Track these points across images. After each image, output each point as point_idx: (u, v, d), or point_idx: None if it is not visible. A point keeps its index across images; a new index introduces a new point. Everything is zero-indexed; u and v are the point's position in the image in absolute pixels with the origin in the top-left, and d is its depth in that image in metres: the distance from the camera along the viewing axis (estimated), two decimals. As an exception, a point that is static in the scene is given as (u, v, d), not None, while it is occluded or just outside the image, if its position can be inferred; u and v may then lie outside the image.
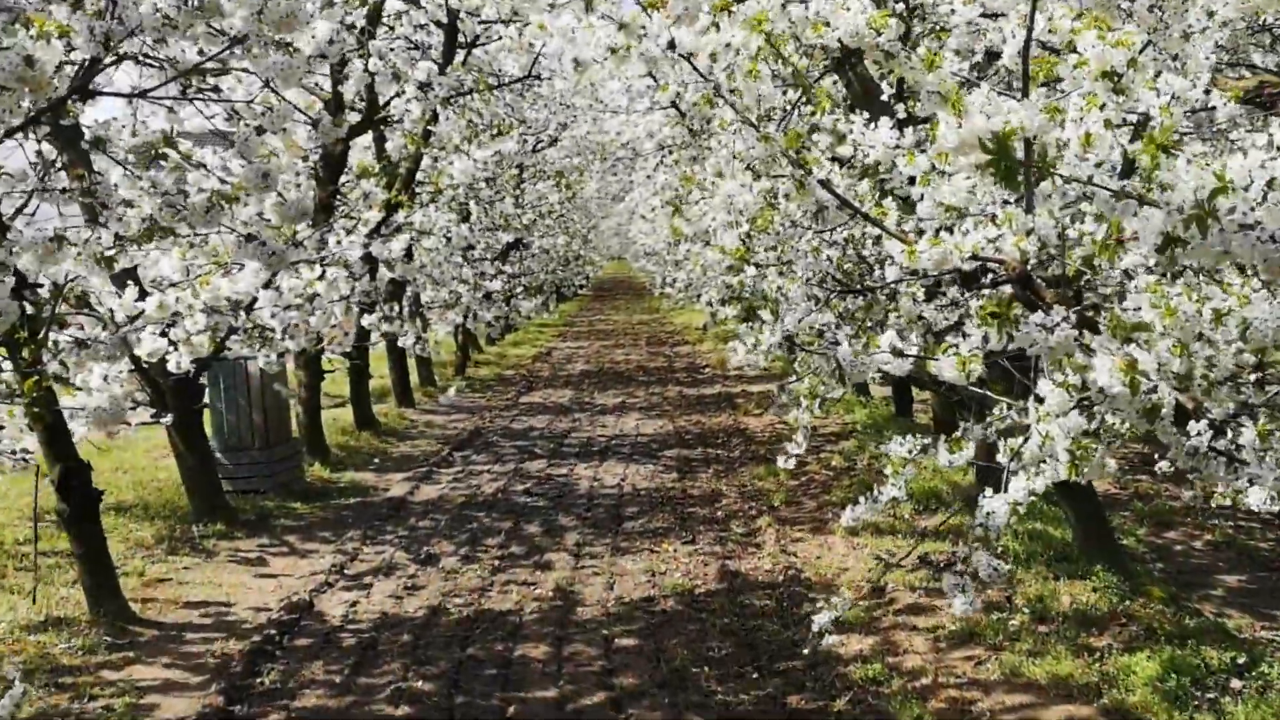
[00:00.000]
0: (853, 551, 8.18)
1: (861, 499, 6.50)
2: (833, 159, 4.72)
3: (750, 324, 10.11)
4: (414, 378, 16.80)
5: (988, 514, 4.04)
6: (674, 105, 16.64)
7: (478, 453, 12.42)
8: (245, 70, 9.59)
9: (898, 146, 4.75)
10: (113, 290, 6.82)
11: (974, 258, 4.29)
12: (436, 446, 12.81)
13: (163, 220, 3.89)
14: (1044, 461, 3.64)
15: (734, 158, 9.38)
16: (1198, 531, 8.48)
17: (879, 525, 8.79)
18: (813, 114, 4.73)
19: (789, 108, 5.43)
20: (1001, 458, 4.31)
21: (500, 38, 12.18)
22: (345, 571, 7.88)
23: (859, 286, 6.72)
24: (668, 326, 31.28)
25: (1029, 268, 4.40)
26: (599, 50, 6.20)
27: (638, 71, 13.93)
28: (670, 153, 17.68)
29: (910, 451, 6.52)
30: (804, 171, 4.55)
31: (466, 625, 6.77)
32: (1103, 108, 3.59)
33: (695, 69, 5.25)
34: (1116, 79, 3.76)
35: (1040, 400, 3.59)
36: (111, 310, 7.01)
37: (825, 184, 4.57)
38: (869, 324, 7.30)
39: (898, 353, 3.67)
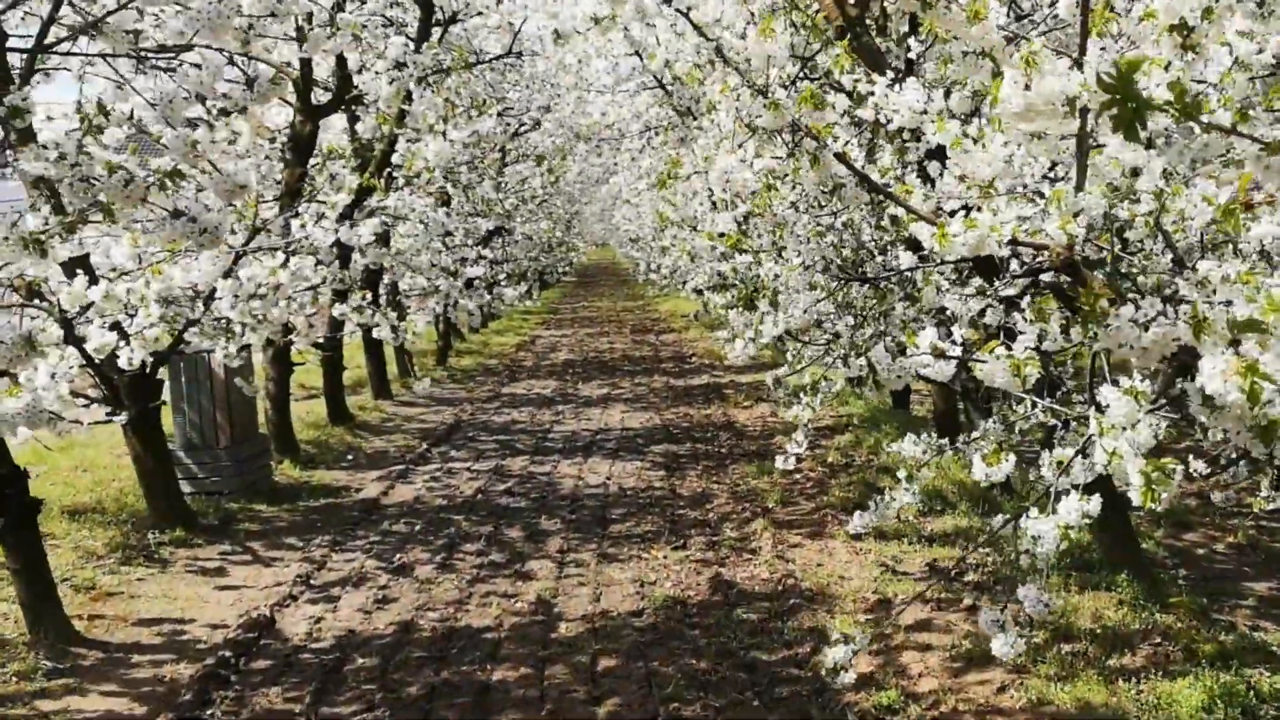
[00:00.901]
0: (855, 558, 7.66)
1: (870, 503, 5.99)
2: (855, 123, 4.17)
3: (746, 314, 9.58)
4: (392, 368, 16.22)
5: (1033, 538, 3.52)
6: (660, 84, 16.09)
7: (457, 449, 11.86)
8: (208, 46, 9.00)
9: (924, 112, 4.22)
10: (63, 280, 6.28)
11: (1013, 242, 3.76)
12: (414, 442, 12.24)
13: (74, 200, 3.33)
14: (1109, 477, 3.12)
15: (726, 136, 8.84)
16: (1218, 533, 8.00)
17: (882, 529, 8.27)
18: (822, 82, 4.18)
19: (791, 80, 4.88)
20: (1046, 471, 3.79)
21: (480, 13, 11.59)
22: (311, 582, 7.33)
23: (867, 274, 6.18)
24: (652, 314, 30.72)
25: (1075, 253, 3.88)
26: (581, 20, 5.62)
27: (621, 43, 13.23)
28: (656, 134, 17.13)
29: (924, 452, 6.04)
30: (818, 143, 4.01)
31: (440, 644, 6.23)
32: (1167, 67, 3.06)
33: (695, 27, 4.72)
34: (1186, 32, 3.23)
35: (1101, 409, 3.05)
36: (57, 301, 6.48)
37: (842, 157, 4.03)
38: (875, 315, 6.77)
39: (939, 354, 3.13)
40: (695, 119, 12.49)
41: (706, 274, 13.91)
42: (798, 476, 10.20)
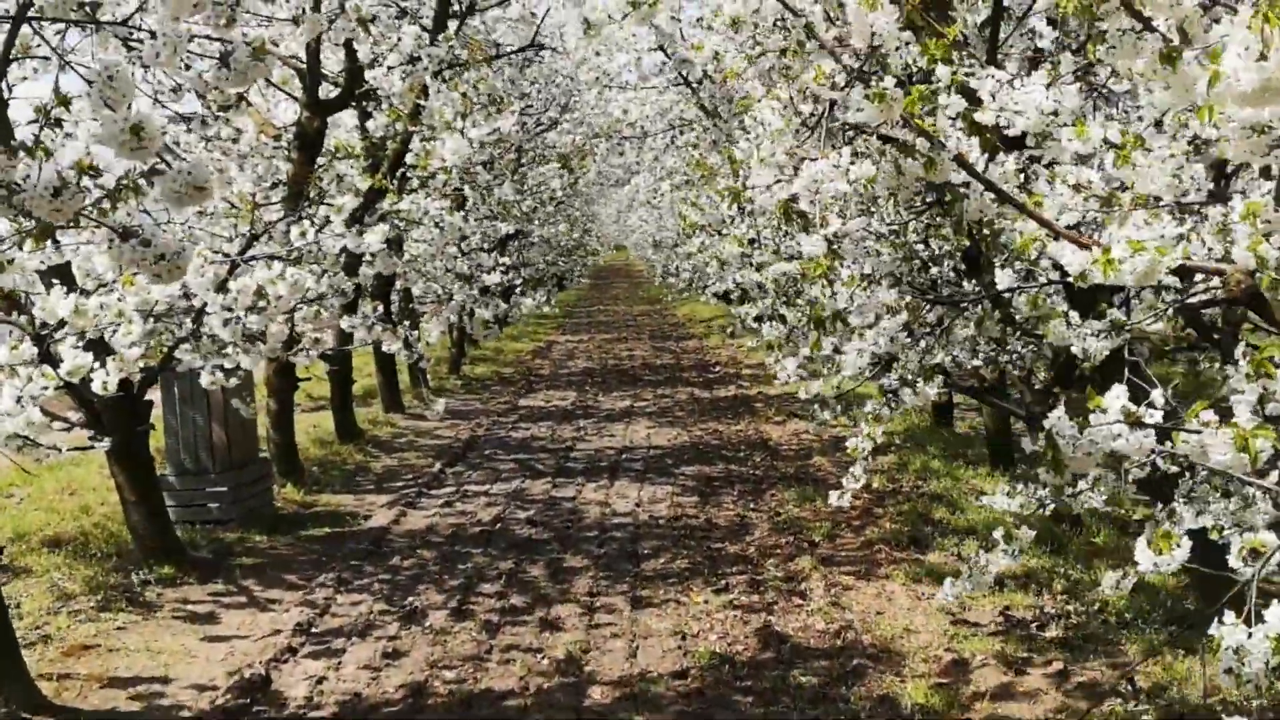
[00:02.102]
0: (918, 604, 6.87)
1: (962, 569, 5.22)
2: (963, 122, 3.37)
3: (801, 334, 8.75)
4: (404, 377, 15.46)
5: (1235, 652, 2.71)
6: (685, 81, 15.29)
7: (473, 469, 11.08)
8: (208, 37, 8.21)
9: (1055, 113, 3.43)
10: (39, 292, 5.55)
11: (1182, 269, 2.96)
12: (427, 461, 11.46)
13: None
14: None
15: (772, 136, 8.03)
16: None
17: (943, 567, 7.49)
18: (929, 68, 3.39)
19: (917, 69, 4.07)
20: (1234, 561, 3.00)
21: (500, 2, 10.81)
22: (313, 630, 6.56)
23: (954, 296, 5.38)
24: (670, 319, 29.95)
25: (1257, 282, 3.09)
26: (616, 6, 4.87)
27: (645, 37, 12.31)
28: (681, 133, 16.35)
29: (1022, 507, 5.24)
30: (934, 143, 3.22)
31: (459, 711, 5.45)
32: None
33: (785, 4, 3.94)
34: None
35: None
36: (32, 316, 5.76)
37: (963, 161, 3.24)
38: (956, 343, 5.97)
39: (1134, 421, 2.32)
40: (724, 119, 11.72)
41: (735, 281, 13.12)
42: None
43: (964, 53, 3.79)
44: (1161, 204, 3.26)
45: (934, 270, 7.41)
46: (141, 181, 2.79)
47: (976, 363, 6.40)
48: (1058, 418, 2.30)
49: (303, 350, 7.77)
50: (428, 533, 8.69)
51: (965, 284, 6.84)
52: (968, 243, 7.19)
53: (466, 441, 12.43)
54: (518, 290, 18.53)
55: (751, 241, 13.18)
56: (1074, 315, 3.92)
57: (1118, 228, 3.25)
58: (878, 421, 6.38)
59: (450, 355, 18.23)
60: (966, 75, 3.55)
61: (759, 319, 12.51)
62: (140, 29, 5.08)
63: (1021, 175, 3.60)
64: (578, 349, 22.76)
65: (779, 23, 7.47)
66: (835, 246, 4.17)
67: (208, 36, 7.12)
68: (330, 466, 10.92)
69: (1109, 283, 2.70)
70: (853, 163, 3.38)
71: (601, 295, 42.63)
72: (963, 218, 4.65)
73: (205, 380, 6.65)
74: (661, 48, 15.24)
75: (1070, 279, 3.04)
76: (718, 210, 14.34)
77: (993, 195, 3.25)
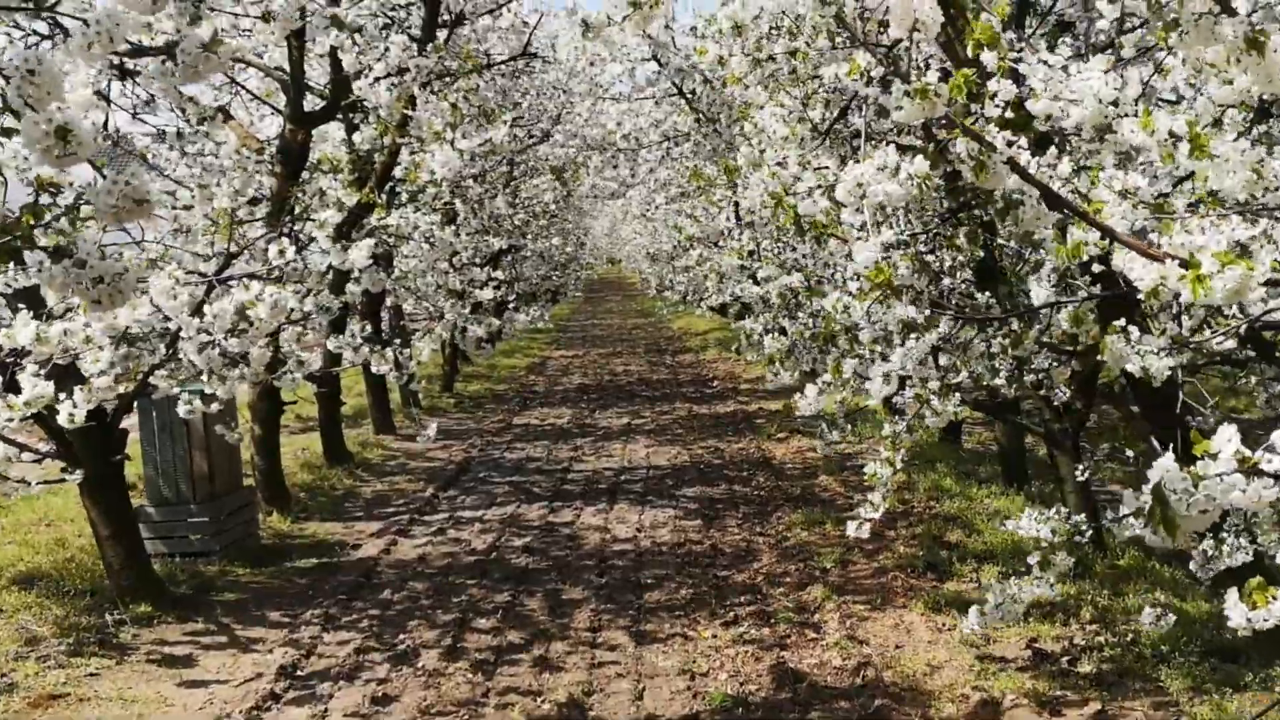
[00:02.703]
0: (939, 636, 6.48)
1: (985, 597, 4.83)
2: (1005, 124, 2.99)
3: (814, 354, 8.38)
4: (395, 396, 15.04)
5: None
6: (680, 91, 14.93)
7: (467, 493, 10.68)
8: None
9: (1115, 103, 3.06)
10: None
11: (1272, 282, 2.60)
12: (419, 485, 11.06)
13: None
14: None
15: (778, 143, 7.66)
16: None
17: (963, 594, 7.12)
18: (975, 54, 3.02)
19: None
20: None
21: (490, 11, 10.45)
22: (297, 673, 6.15)
23: (985, 311, 5.00)
24: (665, 332, 29.57)
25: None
26: (617, 7, 4.49)
27: (638, 47, 11.84)
28: (676, 144, 16.00)
29: (1055, 533, 4.87)
30: (983, 145, 2.85)
31: (452, 765, 5.06)
32: None
33: None
34: None
35: None
36: (-3, 342, 5.37)
37: (1016, 165, 2.87)
38: (974, 358, 5.58)
39: (1250, 469, 1.93)
40: (724, 127, 11.35)
41: (735, 294, 12.74)
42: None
43: (1013, 37, 3.42)
44: (1235, 207, 2.90)
45: (945, 282, 7.05)
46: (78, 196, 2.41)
47: (999, 381, 6.03)
48: (1166, 470, 1.92)
49: (287, 374, 7.38)
50: (419, 563, 8.29)
51: (979, 296, 6.48)
52: (981, 254, 6.84)
53: (460, 463, 12.03)
54: (511, 305, 18.17)
55: (751, 253, 12.82)
56: (1133, 331, 3.53)
57: (1179, 234, 2.88)
58: (897, 445, 6.02)
59: (443, 372, 17.83)
60: (1014, 61, 3.18)
61: (762, 332, 12.15)
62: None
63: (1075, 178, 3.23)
64: (573, 364, 22.36)
65: (777, 29, 7.13)
66: (889, 257, 3.79)
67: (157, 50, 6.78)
68: (318, 492, 10.51)
69: (1201, 302, 2.33)
70: (901, 161, 2.99)
71: (595, 309, 42.26)
72: (977, 231, 4.29)
73: (182, 411, 6.26)
74: (655, 57, 14.91)
75: (1113, 291, 2.68)
76: (715, 221, 14.01)
77: (1049, 202, 2.87)
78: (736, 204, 13.67)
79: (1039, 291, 4.38)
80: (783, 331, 11.77)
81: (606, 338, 28.86)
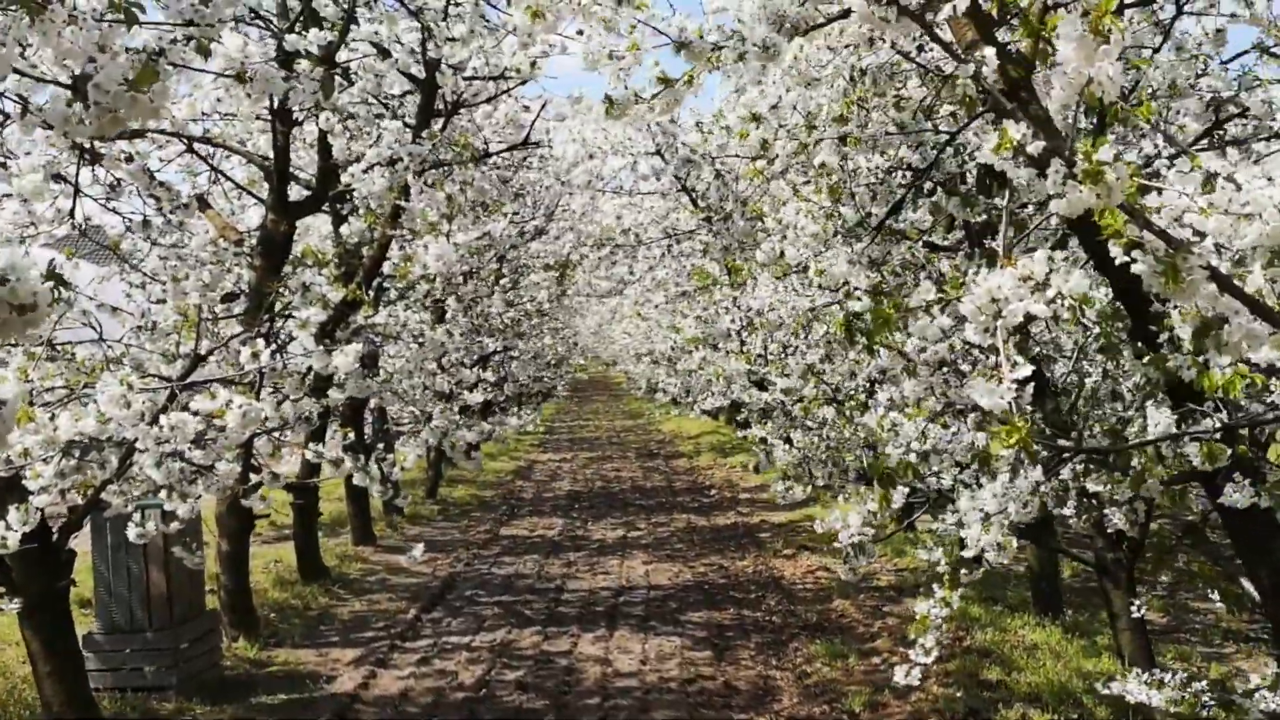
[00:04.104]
0: (998, 804, 5.65)
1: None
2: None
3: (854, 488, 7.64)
4: (377, 502, 14.17)
5: None
6: (683, 187, 14.39)
7: (453, 614, 9.80)
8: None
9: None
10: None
11: None
12: (401, 604, 10.17)
13: None
14: None
15: (803, 240, 7.00)
16: None
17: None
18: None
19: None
20: None
21: (489, 100, 9.85)
22: (257, 845, 5.28)
23: (1106, 444, 4.27)
24: (656, 435, 28.79)
25: None
26: (646, 80, 3.96)
27: (640, 140, 11.11)
28: (678, 242, 15.43)
29: (1172, 703, 4.12)
30: (1179, 246, 2.16)
31: None
32: None
33: (940, 41, 2.90)
34: None
35: None
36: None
37: (1221, 277, 2.17)
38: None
39: None
40: (735, 223, 10.73)
41: (743, 401, 12.02)
42: (876, 660, 8.22)
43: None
44: None
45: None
46: None
47: (1118, 520, 5.33)
48: None
49: (259, 487, 6.59)
50: (401, 700, 7.41)
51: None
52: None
53: (445, 580, 11.15)
54: (499, 407, 17.44)
55: (760, 358, 12.15)
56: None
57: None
58: (955, 584, 5.26)
59: (427, 477, 16.99)
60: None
61: (763, 440, 11.42)
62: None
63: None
64: (561, 468, 21.53)
65: (809, 116, 6.51)
66: (1021, 398, 3.08)
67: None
68: (291, 613, 9.62)
69: None
70: (1052, 272, 2.29)
71: (581, 409, 41.50)
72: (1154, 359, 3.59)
73: (132, 535, 5.46)
74: (659, 151, 14.40)
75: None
76: (720, 323, 13.36)
77: (1266, 318, 2.16)
78: (736, 303, 13.05)
79: (1157, 418, 3.68)
80: (788, 440, 11.06)
81: (596, 440, 28.05)
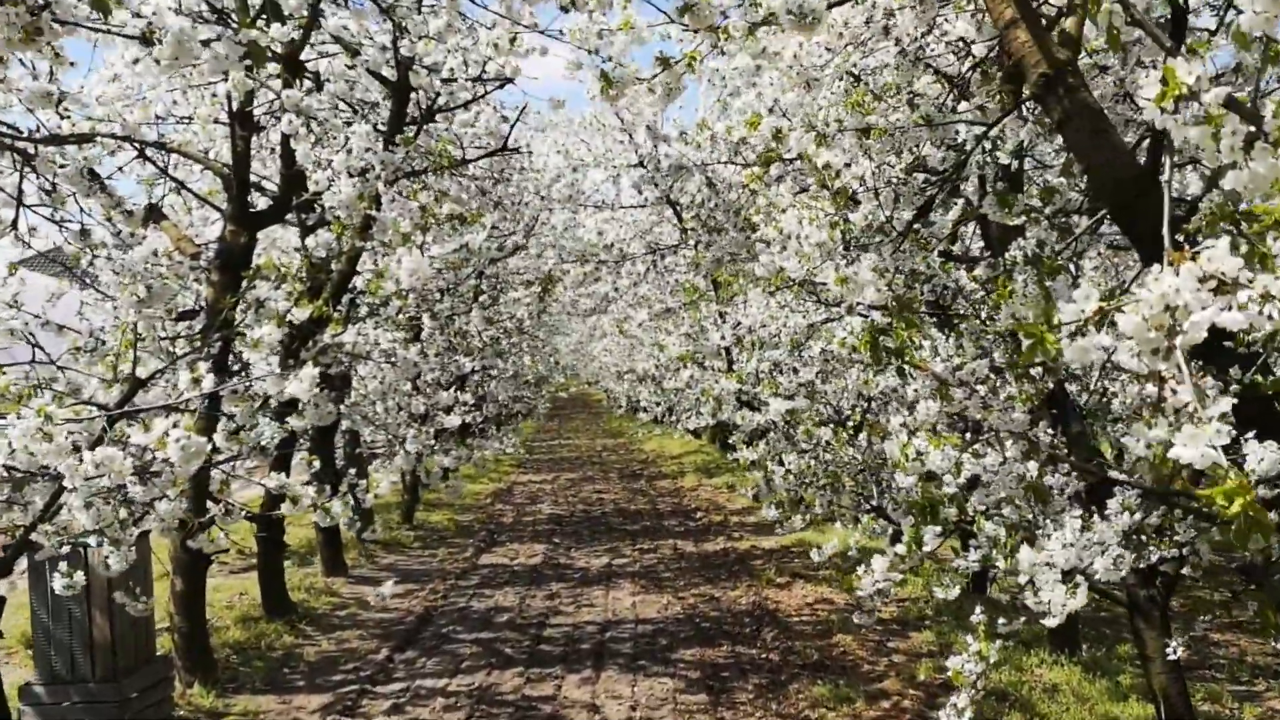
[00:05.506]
0: None
1: None
2: None
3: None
4: (348, 532, 13.49)
5: None
6: (668, 200, 13.80)
7: (428, 654, 9.13)
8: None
9: None
10: None
11: None
12: (372, 644, 9.49)
13: None
14: None
15: (809, 254, 6.43)
16: None
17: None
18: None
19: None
20: None
21: (465, 105, 9.25)
22: None
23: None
24: (638, 455, 28.14)
25: None
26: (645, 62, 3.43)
27: (621, 152, 10.50)
28: (663, 257, 14.87)
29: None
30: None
31: None
32: None
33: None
34: None
35: None
36: None
37: None
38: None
39: None
40: (730, 233, 10.15)
41: (735, 423, 11.40)
42: (886, 705, 7.62)
43: None
44: None
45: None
46: None
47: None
48: None
49: (212, 523, 5.93)
50: (370, 756, 6.76)
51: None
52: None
53: (420, 615, 10.48)
54: (478, 429, 16.81)
55: (752, 376, 11.55)
56: None
57: None
58: (992, 637, 4.70)
59: (403, 501, 16.31)
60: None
61: (754, 464, 10.81)
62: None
63: None
64: (542, 491, 20.85)
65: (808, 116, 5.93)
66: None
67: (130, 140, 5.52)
68: (253, 654, 8.93)
69: None
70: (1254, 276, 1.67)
71: (561, 427, 40.82)
72: None
73: (58, 586, 4.81)
74: (642, 162, 13.82)
75: None
76: (708, 339, 12.77)
77: None
78: (724, 318, 12.47)
79: (1261, 452, 3.11)
80: (781, 462, 10.45)
81: (576, 460, 27.38)
